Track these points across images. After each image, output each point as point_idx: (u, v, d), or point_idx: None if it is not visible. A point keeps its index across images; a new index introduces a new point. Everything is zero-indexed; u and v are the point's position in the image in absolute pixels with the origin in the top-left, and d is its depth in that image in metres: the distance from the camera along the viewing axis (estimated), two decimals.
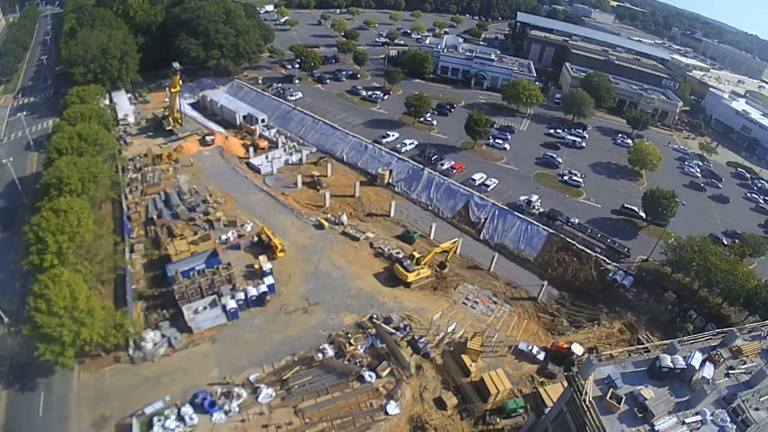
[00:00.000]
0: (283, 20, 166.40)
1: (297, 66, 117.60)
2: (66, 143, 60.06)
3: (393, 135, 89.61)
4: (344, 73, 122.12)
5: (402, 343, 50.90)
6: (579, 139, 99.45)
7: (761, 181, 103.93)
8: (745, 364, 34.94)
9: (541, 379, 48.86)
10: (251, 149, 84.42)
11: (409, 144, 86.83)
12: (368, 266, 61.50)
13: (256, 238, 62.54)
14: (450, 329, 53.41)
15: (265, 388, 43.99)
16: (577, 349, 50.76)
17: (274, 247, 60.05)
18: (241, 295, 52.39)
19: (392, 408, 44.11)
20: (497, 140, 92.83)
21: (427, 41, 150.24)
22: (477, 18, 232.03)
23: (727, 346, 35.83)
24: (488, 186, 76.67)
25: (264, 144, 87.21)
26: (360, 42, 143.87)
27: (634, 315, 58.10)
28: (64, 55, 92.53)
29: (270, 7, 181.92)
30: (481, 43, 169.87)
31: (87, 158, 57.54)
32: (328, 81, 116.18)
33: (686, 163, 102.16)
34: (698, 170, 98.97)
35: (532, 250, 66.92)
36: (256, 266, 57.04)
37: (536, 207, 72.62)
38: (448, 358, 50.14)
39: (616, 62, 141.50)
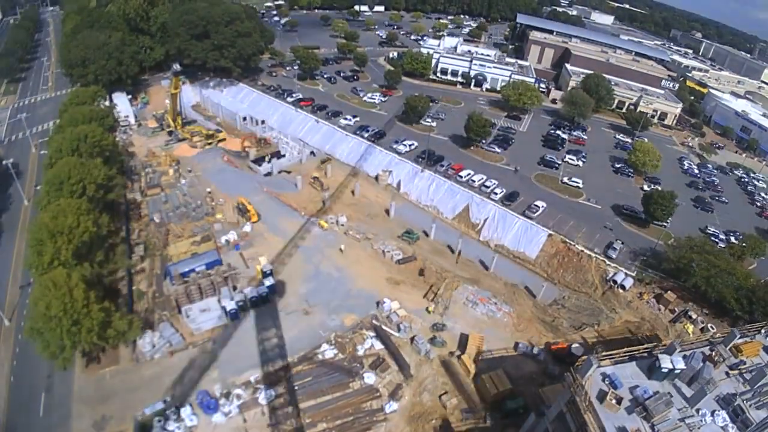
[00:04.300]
0: (283, 21, 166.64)
1: (297, 68, 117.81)
2: (67, 145, 60.17)
3: (392, 137, 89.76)
4: (343, 74, 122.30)
5: (402, 343, 50.96)
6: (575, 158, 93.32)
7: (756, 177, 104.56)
8: (744, 364, 34.98)
9: (541, 380, 48.85)
10: (252, 151, 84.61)
11: (410, 145, 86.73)
12: (368, 267, 61.54)
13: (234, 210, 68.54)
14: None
15: (266, 388, 44.04)
16: (577, 350, 50.82)
17: (250, 214, 66.45)
18: (240, 296, 52.47)
19: (392, 408, 44.15)
20: (491, 144, 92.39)
21: (428, 42, 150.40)
22: (477, 19, 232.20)
23: (726, 346, 35.86)
24: (488, 187, 76.68)
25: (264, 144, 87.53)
26: (360, 44, 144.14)
27: (633, 315, 58.19)
28: (64, 56, 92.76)
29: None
30: (481, 44, 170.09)
31: (87, 160, 57.64)
32: (327, 83, 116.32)
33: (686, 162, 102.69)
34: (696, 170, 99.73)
35: (532, 251, 66.95)
36: (257, 267, 57.12)
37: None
38: (449, 358, 50.22)
39: (615, 63, 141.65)
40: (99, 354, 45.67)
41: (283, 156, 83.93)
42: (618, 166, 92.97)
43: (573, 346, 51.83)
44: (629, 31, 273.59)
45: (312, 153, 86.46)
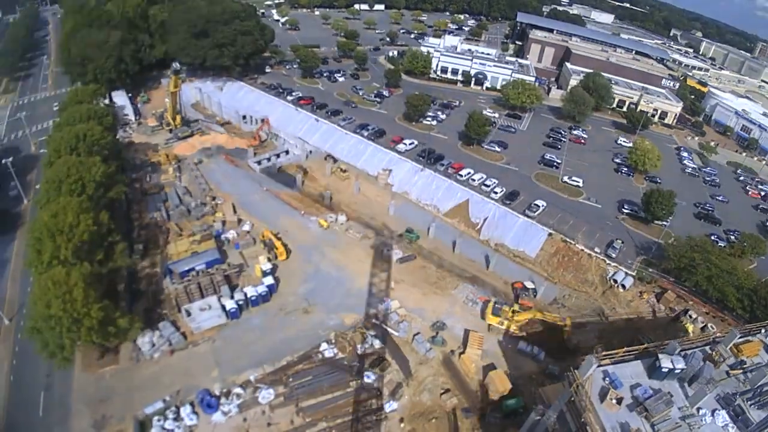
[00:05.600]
0: (283, 20, 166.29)
1: (297, 66, 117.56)
2: (66, 144, 60.02)
3: (391, 136, 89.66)
4: (344, 73, 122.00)
5: (402, 342, 50.95)
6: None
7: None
8: (745, 363, 34.94)
9: (541, 380, 48.83)
10: (251, 149, 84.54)
11: (410, 144, 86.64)
12: (368, 266, 61.47)
13: (261, 244, 62.09)
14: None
15: (265, 388, 44.02)
16: (529, 284, 59.96)
17: (277, 250, 59.80)
18: (240, 295, 52.42)
19: (392, 407, 44.16)
20: (491, 143, 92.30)
21: (429, 41, 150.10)
22: (478, 18, 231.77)
23: (726, 345, 35.80)
24: (488, 186, 76.55)
25: (256, 143, 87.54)
26: (361, 42, 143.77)
27: (634, 315, 58.13)
28: (64, 55, 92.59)
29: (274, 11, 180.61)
30: (482, 43, 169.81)
31: (86, 158, 57.50)
32: (327, 81, 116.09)
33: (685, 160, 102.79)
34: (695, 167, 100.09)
35: (532, 250, 66.86)
36: (257, 267, 57.06)
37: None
38: (449, 357, 50.20)
39: (616, 62, 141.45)
40: (99, 354, 45.61)
41: (283, 154, 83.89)
42: (618, 164, 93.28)
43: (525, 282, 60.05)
44: (629, 29, 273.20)
45: (310, 152, 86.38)
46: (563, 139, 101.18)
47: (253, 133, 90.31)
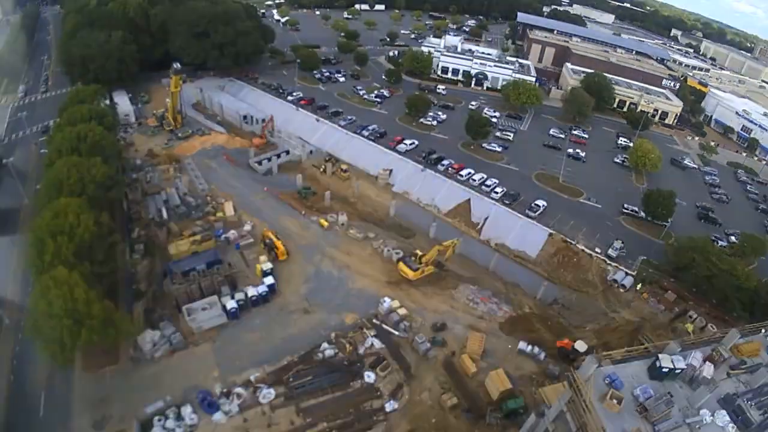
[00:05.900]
0: (283, 20, 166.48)
1: (297, 65, 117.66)
2: (66, 144, 60.02)
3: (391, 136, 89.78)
4: (344, 73, 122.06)
5: (403, 342, 50.95)
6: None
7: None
8: (745, 364, 34.91)
9: (541, 380, 48.82)
10: (251, 149, 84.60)
11: (410, 144, 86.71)
12: (369, 266, 61.51)
13: (261, 243, 62.02)
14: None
15: (266, 388, 44.04)
16: (581, 347, 50.62)
17: (277, 250, 59.90)
18: (241, 295, 52.44)
19: (392, 408, 44.13)
20: (492, 143, 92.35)
21: (429, 41, 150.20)
22: (478, 19, 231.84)
23: (727, 346, 35.76)
24: (488, 186, 76.59)
25: (263, 143, 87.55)
26: (361, 42, 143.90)
27: (634, 315, 58.13)
28: (64, 55, 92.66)
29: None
30: (482, 43, 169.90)
31: (87, 159, 57.48)
32: (328, 81, 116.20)
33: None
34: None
35: (532, 250, 66.88)
36: (257, 267, 57.09)
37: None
38: (449, 358, 50.21)
39: (616, 62, 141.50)
40: (99, 354, 45.58)
41: (283, 154, 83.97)
42: (617, 163, 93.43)
43: (576, 342, 51.51)
44: (630, 30, 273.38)
45: (311, 152, 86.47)
46: (564, 136, 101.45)
47: (260, 132, 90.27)
